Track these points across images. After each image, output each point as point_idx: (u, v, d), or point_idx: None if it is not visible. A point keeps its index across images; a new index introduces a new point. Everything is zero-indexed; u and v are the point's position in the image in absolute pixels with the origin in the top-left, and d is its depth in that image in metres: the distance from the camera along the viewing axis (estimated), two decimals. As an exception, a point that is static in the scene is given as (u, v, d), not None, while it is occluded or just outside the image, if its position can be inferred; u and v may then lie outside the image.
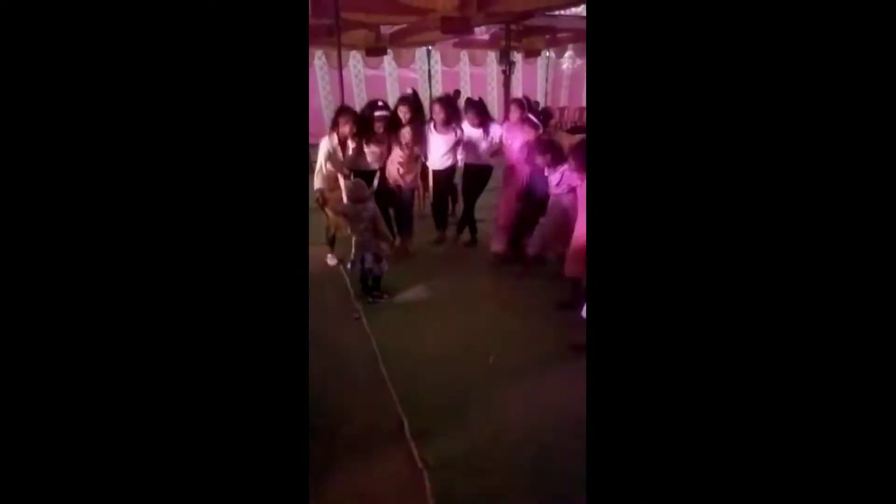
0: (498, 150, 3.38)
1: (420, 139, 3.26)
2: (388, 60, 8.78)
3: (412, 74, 9.27)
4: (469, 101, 3.54)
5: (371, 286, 2.85)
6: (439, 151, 3.37)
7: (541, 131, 3.08)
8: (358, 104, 8.87)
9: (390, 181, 3.29)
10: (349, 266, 2.86)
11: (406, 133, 3.18)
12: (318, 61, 8.45)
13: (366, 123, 3.11)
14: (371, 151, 3.17)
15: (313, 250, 3.43)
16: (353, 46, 7.00)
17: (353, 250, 2.82)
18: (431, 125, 3.36)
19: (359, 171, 3.13)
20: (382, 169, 3.23)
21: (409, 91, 3.72)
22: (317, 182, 3.08)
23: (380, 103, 3.23)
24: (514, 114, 3.30)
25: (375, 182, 3.02)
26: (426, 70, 9.25)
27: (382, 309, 2.75)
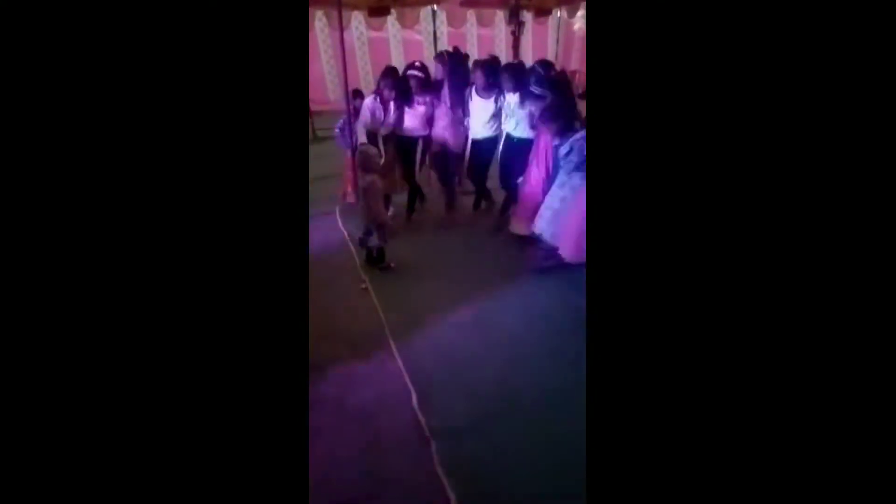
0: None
1: (460, 101, 3.17)
2: (391, 21, 8.44)
3: (417, 36, 8.92)
4: (476, 62, 3.32)
5: (376, 258, 2.85)
6: (481, 119, 3.16)
7: (549, 99, 2.74)
8: (361, 67, 8.65)
9: (437, 145, 3.28)
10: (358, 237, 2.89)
11: (445, 93, 3.13)
12: (319, 23, 8.14)
13: (404, 86, 3.15)
14: (411, 114, 3.19)
15: (323, 221, 3.42)
16: (355, 7, 6.71)
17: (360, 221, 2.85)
18: (472, 89, 3.17)
19: (402, 136, 3.25)
20: (427, 138, 3.27)
21: (450, 48, 3.50)
22: (361, 137, 3.14)
23: (417, 63, 3.25)
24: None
25: (419, 149, 3.17)
26: (431, 31, 8.90)
27: (390, 279, 2.74)
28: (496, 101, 3.11)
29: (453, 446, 1.57)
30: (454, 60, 3.27)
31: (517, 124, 3.07)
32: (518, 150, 3.08)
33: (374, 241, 2.80)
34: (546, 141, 2.84)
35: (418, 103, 3.22)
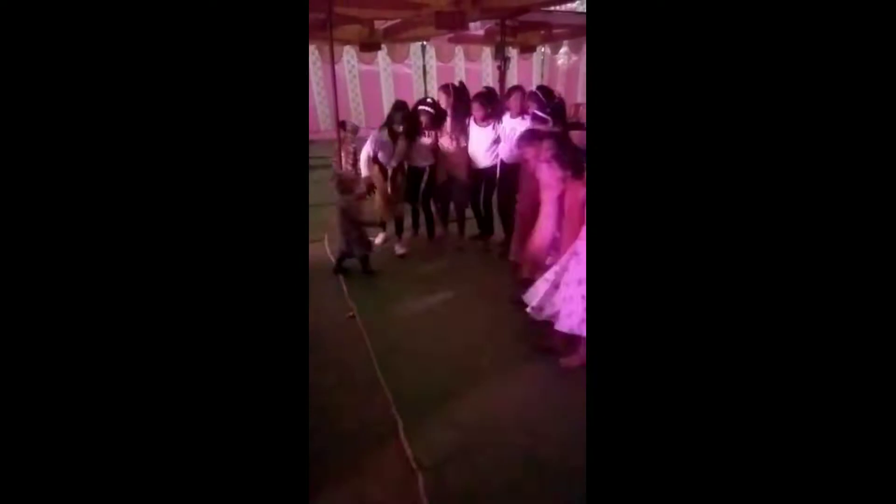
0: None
1: (463, 131, 3.33)
2: (382, 56, 8.71)
3: (406, 70, 9.20)
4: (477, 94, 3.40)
5: (363, 269, 3.10)
6: (482, 147, 3.30)
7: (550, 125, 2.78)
8: (352, 100, 8.84)
9: (443, 176, 3.44)
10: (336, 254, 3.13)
11: (448, 124, 3.29)
12: (312, 56, 8.37)
13: (414, 122, 3.32)
14: (419, 146, 3.36)
15: (311, 248, 3.43)
16: (347, 41, 6.92)
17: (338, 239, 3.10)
18: (472, 120, 3.34)
19: (410, 167, 3.43)
20: (433, 166, 3.42)
21: (457, 82, 3.68)
22: (364, 171, 3.34)
23: (428, 100, 3.44)
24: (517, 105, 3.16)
25: (425, 178, 3.40)
26: (421, 66, 9.18)
27: (377, 308, 2.74)
28: (494, 129, 3.27)
29: (439, 476, 1.55)
30: (458, 93, 3.42)
31: (511, 150, 3.15)
32: (512, 175, 3.16)
33: (356, 251, 3.03)
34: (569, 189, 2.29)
35: (426, 136, 3.36)
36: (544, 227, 2.45)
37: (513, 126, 3.17)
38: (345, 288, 2.95)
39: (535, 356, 2.22)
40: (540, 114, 2.87)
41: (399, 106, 3.35)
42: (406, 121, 3.29)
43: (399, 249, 3.52)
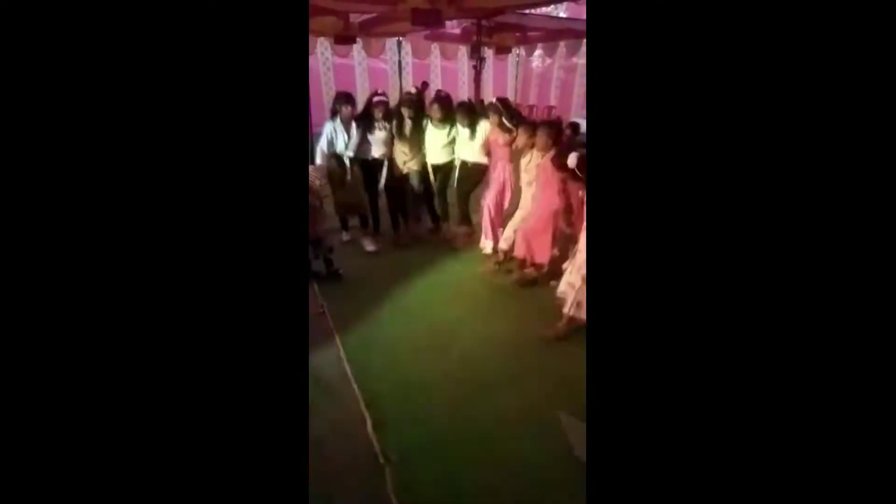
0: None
1: (420, 132, 3.41)
2: (357, 49, 8.60)
3: (382, 65, 9.11)
4: (437, 94, 3.58)
5: (328, 272, 3.03)
6: (437, 145, 3.43)
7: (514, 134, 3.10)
8: (325, 92, 8.68)
9: (396, 171, 3.48)
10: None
11: (408, 126, 3.35)
12: (285, 46, 8.16)
13: (368, 113, 3.33)
14: (374, 139, 3.35)
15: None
16: (321, 33, 6.80)
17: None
18: (427, 121, 3.45)
19: (364, 160, 3.41)
20: (391, 159, 3.44)
21: (417, 87, 3.79)
22: (319, 159, 3.28)
23: (379, 91, 3.45)
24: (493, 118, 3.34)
25: (384, 174, 3.41)
26: (396, 61, 9.11)
27: (347, 303, 2.71)
28: (449, 133, 3.41)
29: (407, 471, 1.56)
30: (419, 102, 3.55)
31: (470, 152, 3.40)
32: (470, 174, 3.49)
33: (317, 264, 2.99)
34: (503, 167, 3.23)
35: (379, 129, 3.37)
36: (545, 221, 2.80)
37: (468, 133, 3.42)
38: (315, 285, 2.91)
39: (509, 351, 2.26)
40: (506, 123, 3.18)
41: (342, 96, 3.35)
42: (354, 107, 3.33)
43: (369, 246, 3.51)
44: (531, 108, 9.86)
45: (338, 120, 3.29)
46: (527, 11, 5.94)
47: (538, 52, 9.18)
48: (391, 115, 3.39)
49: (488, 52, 7.69)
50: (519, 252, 2.96)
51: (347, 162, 3.35)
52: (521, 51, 9.44)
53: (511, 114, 3.21)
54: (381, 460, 1.59)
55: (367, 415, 1.81)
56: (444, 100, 3.42)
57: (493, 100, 3.40)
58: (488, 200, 3.28)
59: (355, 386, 1.98)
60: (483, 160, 3.41)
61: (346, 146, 3.31)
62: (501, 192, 3.29)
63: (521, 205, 3.04)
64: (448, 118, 3.37)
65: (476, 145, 3.36)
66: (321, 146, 3.29)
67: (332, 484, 1.51)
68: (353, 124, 3.31)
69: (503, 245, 3.12)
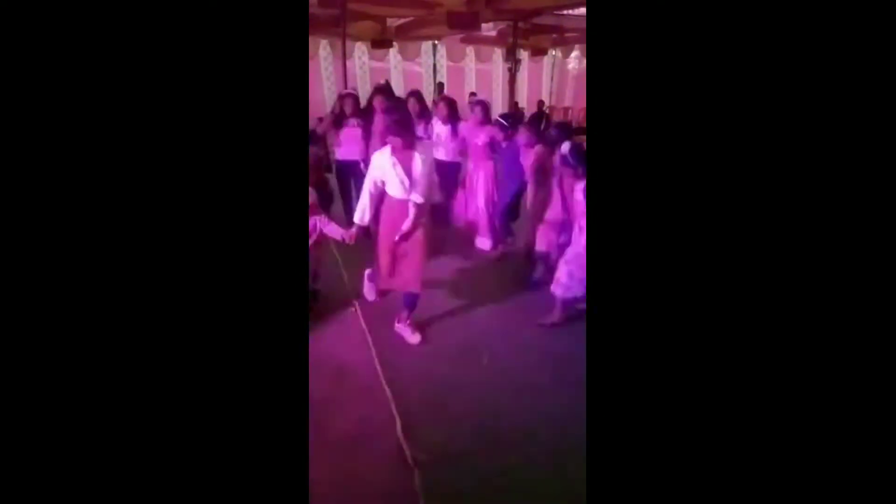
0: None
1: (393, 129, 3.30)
2: (393, 53, 8.72)
3: (417, 68, 9.20)
4: (443, 96, 3.68)
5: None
6: None
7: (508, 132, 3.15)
8: (363, 95, 8.84)
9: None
10: None
11: (379, 121, 3.26)
12: (323, 51, 8.38)
13: (339, 115, 3.30)
14: (346, 137, 3.30)
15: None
16: (359, 38, 6.94)
17: None
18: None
19: (341, 161, 3.35)
20: (367, 161, 3.36)
21: (382, 82, 3.78)
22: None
23: (349, 88, 3.51)
24: (477, 116, 3.37)
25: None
26: (431, 64, 9.18)
27: (378, 302, 2.74)
28: (425, 130, 3.44)
29: (437, 474, 1.55)
30: (388, 92, 3.57)
31: (445, 152, 3.47)
32: (447, 173, 3.54)
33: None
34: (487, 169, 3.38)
35: (352, 125, 3.31)
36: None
37: (437, 132, 3.45)
38: (346, 282, 2.95)
39: (535, 356, 2.22)
40: (502, 121, 3.25)
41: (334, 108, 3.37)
42: (332, 113, 3.29)
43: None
44: (566, 109, 9.70)
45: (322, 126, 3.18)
46: (563, 12, 5.85)
47: (575, 53, 9.03)
48: (366, 113, 3.28)
49: (524, 55, 7.63)
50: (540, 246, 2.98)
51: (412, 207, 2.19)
52: (558, 52, 9.30)
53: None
54: (411, 462, 1.59)
55: (397, 416, 1.82)
56: (450, 102, 3.44)
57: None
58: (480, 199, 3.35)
59: (386, 387, 2.00)
60: (457, 159, 3.49)
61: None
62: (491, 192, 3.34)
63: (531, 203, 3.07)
64: (421, 117, 3.41)
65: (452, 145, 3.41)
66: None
67: (361, 483, 1.52)
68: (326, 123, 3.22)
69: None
